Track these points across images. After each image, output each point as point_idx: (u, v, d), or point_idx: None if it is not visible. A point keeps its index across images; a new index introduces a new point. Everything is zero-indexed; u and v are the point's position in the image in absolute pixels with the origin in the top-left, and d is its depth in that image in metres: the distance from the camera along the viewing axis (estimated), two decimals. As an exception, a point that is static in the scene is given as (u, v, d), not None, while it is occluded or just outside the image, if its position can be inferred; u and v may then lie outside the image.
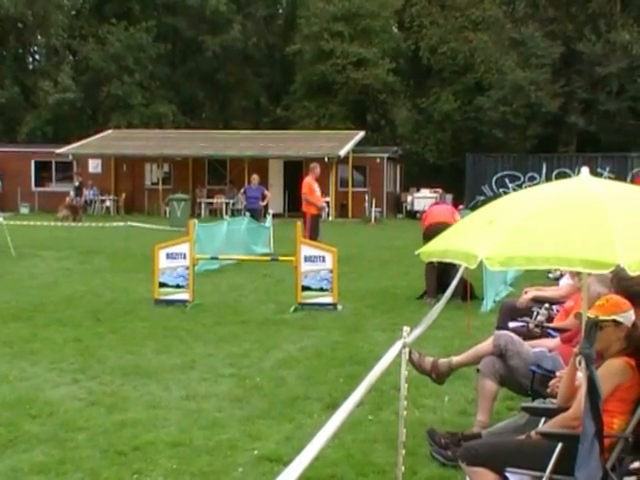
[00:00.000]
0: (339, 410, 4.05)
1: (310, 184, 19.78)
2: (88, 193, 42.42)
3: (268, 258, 17.34)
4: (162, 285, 13.50)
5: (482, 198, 40.19)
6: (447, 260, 4.89)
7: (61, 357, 9.56)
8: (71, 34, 53.03)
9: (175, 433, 6.78)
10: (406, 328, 5.61)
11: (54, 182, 45.55)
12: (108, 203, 43.45)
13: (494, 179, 43.73)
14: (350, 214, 41.59)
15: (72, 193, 38.53)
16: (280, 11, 62.46)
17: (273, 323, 12.04)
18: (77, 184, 37.53)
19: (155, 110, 51.77)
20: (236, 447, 6.46)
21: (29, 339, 10.58)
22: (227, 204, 41.51)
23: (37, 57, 58.87)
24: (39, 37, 54.76)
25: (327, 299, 13.15)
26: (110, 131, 47.99)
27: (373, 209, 40.63)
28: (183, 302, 13.31)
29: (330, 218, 38.46)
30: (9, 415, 7.22)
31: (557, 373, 5.76)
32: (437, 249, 5.05)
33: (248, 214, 24.25)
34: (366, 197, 41.81)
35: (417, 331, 6.59)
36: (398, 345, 5.45)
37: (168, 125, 51.05)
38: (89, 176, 43.60)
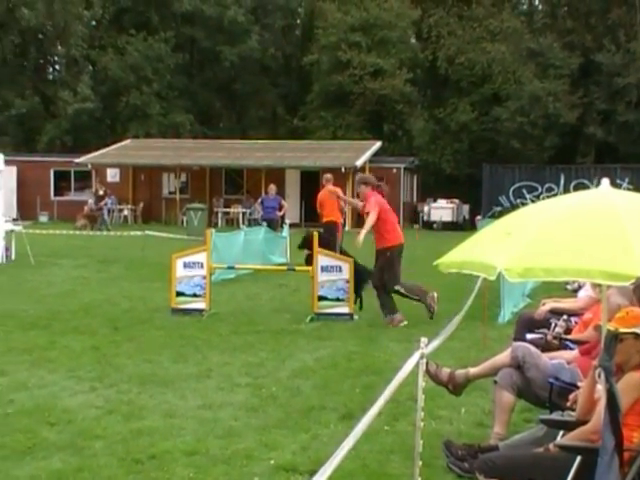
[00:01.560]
0: (359, 422, 4.05)
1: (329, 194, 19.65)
2: (106, 202, 42.54)
3: (285, 268, 17.34)
4: (179, 294, 13.53)
5: (499, 209, 40.03)
6: (466, 271, 4.86)
7: (79, 365, 9.59)
8: (91, 44, 53.30)
9: (191, 442, 6.79)
10: (424, 339, 5.60)
11: (73, 191, 45.79)
12: (126, 212, 43.64)
13: (511, 190, 43.55)
14: (367, 224, 41.42)
15: (91, 201, 38.69)
16: (297, 21, 62.60)
17: (289, 333, 12.04)
18: (101, 193, 37.80)
19: (173, 120, 51.96)
20: (252, 457, 6.46)
21: (47, 347, 10.63)
22: (244, 214, 41.56)
23: (57, 67, 59.21)
24: (59, 47, 55.07)
25: (343, 309, 13.16)
26: (128, 141, 48.19)
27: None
28: (200, 311, 13.33)
29: (347, 228, 38.43)
30: (28, 422, 7.26)
31: (578, 384, 5.74)
32: (455, 260, 5.04)
33: (265, 224, 24.27)
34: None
35: (435, 342, 6.58)
36: (416, 356, 5.44)
37: (185, 135, 51.21)
38: (107, 185, 43.78)
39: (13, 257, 22.07)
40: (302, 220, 39.93)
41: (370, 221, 12.61)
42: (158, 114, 51.72)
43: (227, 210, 42.58)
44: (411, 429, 6.21)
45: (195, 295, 13.52)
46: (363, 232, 12.66)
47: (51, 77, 58.86)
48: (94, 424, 7.25)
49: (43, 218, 42.98)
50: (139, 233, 25.83)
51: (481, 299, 11.46)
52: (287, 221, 26.83)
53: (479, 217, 38.07)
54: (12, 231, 22.80)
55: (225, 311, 13.70)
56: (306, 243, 14.00)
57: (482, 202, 43.51)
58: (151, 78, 51.71)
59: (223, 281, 16.98)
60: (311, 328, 12.42)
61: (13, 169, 39.99)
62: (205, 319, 12.99)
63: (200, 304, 13.44)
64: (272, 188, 26.50)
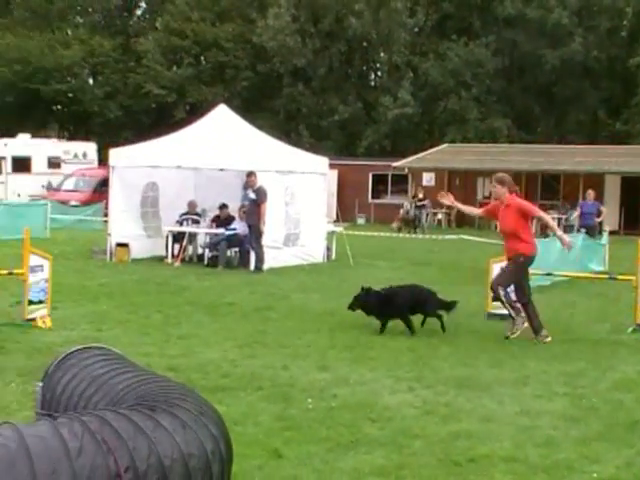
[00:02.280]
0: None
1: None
2: (424, 205, 43.18)
3: (604, 276, 16.79)
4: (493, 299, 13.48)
5: None
6: None
7: (397, 365, 9.83)
8: (412, 51, 54.41)
9: (509, 448, 6.74)
10: None
11: (389, 194, 46.91)
12: (440, 216, 44.07)
13: None
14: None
15: (406, 205, 39.48)
16: (624, 23, 60.20)
17: (608, 343, 11.67)
18: (420, 196, 38.58)
19: (490, 124, 51.86)
20: (573, 468, 6.31)
21: (367, 345, 10.98)
22: (559, 220, 40.63)
23: (379, 74, 60.96)
24: (382, 55, 56.72)
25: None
26: (445, 145, 48.65)
27: None
28: (513, 318, 13.20)
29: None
30: (350, 417, 7.53)
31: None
32: None
33: (583, 230, 23.63)
34: None
35: None
36: None
37: (502, 139, 50.93)
38: (422, 189, 44.48)
39: (333, 257, 23.01)
40: (621, 227, 38.47)
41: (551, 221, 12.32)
42: (476, 119, 51.82)
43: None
44: None
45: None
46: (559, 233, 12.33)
47: (373, 83, 60.70)
48: (413, 423, 7.40)
49: (360, 220, 44.37)
50: (454, 237, 26.08)
51: None
52: (606, 228, 25.95)
53: None
54: (333, 232, 23.79)
55: (541, 318, 13.47)
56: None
57: None
58: (470, 83, 51.91)
59: (539, 287, 16.69)
60: (634, 339, 11.95)
61: (335, 173, 41.63)
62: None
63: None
64: (590, 194, 25.77)
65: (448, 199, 13.06)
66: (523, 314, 12.02)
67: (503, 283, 12.01)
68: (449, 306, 12.58)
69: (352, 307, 12.39)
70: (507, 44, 54.68)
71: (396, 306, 12.15)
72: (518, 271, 12.05)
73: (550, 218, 12.33)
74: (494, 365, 9.97)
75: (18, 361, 9.37)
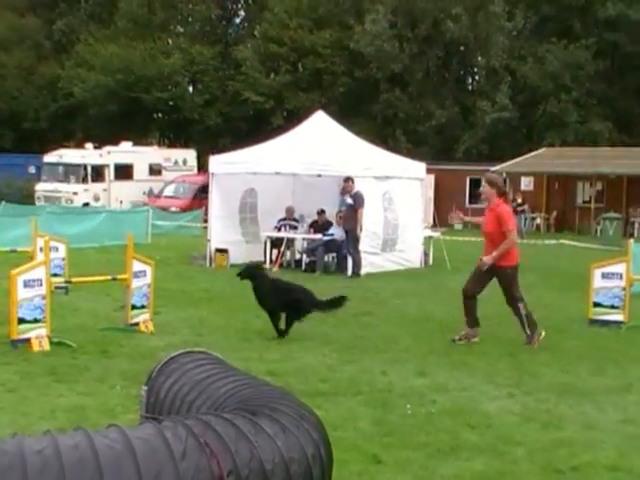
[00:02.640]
0: None
1: None
2: (524, 210, 42.68)
3: None
4: (596, 305, 13.27)
5: None
6: None
7: (496, 371, 9.75)
8: (510, 54, 53.81)
9: (613, 456, 6.63)
10: None
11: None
12: (538, 220, 43.48)
13: None
14: None
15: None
16: None
17: None
18: (519, 201, 38.16)
19: (590, 128, 50.89)
20: (680, 479, 6.18)
21: (465, 351, 10.92)
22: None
23: (476, 78, 60.46)
24: (479, 59, 56.26)
25: None
26: (544, 149, 47.94)
27: None
28: (618, 323, 12.97)
29: None
30: (450, 423, 7.50)
31: None
32: None
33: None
34: None
35: None
36: None
37: (603, 143, 49.92)
38: (521, 193, 43.95)
39: (430, 262, 22.91)
40: None
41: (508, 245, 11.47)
42: (575, 122, 50.92)
43: (641, 219, 40.91)
44: None
45: (613, 307, 13.20)
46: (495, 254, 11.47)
47: (470, 87, 60.25)
48: (514, 430, 7.33)
49: (458, 225, 44.02)
50: (553, 242, 25.69)
51: None
52: None
53: None
54: (430, 237, 23.70)
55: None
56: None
57: None
58: (570, 86, 51.03)
59: None
60: None
61: (432, 177, 41.41)
62: (623, 332, 12.61)
63: (618, 316, 13.08)
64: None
65: (458, 218, 12.79)
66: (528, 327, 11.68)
67: (516, 297, 11.72)
68: (331, 305, 12.20)
69: (241, 275, 12.35)
70: (608, 46, 53.60)
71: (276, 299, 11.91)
72: (514, 281, 11.79)
73: (506, 246, 11.47)
74: (596, 372, 9.80)
75: (122, 365, 9.58)
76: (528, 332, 11.56)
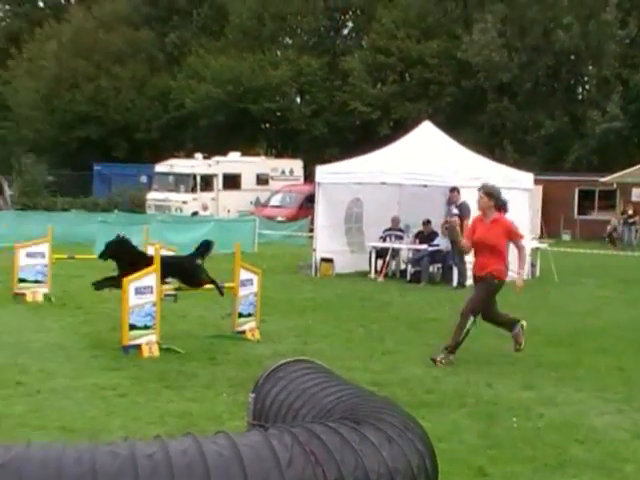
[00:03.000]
0: None
1: None
2: (635, 222, 41.70)
3: None
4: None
5: None
6: None
7: (604, 385, 9.56)
8: (622, 63, 52.70)
9: None
10: None
11: (596, 210, 45.60)
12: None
13: None
14: None
15: (614, 221, 38.21)
16: None
17: None
18: (630, 212, 37.34)
19: None
20: None
21: (573, 365, 10.73)
22: None
23: (587, 87, 59.36)
24: (590, 68, 55.23)
25: None
26: (657, 160, 46.79)
27: None
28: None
29: None
30: (557, 438, 7.39)
31: None
32: None
33: None
34: None
35: None
36: None
37: None
38: (631, 205, 42.96)
39: (537, 273, 22.59)
40: None
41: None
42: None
43: None
44: None
45: None
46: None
47: (580, 97, 59.18)
48: (622, 447, 7.18)
49: (565, 236, 43.32)
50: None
51: None
52: None
53: None
54: (537, 249, 23.36)
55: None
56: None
57: None
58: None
59: None
60: None
61: (539, 188, 40.81)
62: None
63: None
64: None
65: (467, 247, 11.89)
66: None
67: (475, 310, 10.96)
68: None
69: (102, 256, 11.80)
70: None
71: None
72: (490, 297, 11.09)
73: (526, 253, 11.06)
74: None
75: (228, 372, 9.73)
76: (443, 346, 10.86)
